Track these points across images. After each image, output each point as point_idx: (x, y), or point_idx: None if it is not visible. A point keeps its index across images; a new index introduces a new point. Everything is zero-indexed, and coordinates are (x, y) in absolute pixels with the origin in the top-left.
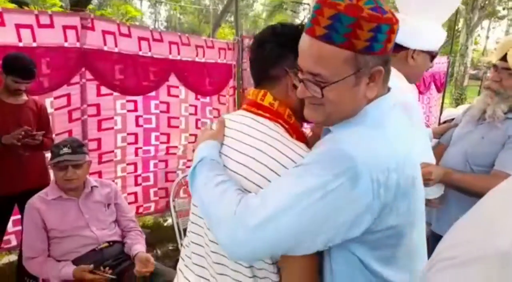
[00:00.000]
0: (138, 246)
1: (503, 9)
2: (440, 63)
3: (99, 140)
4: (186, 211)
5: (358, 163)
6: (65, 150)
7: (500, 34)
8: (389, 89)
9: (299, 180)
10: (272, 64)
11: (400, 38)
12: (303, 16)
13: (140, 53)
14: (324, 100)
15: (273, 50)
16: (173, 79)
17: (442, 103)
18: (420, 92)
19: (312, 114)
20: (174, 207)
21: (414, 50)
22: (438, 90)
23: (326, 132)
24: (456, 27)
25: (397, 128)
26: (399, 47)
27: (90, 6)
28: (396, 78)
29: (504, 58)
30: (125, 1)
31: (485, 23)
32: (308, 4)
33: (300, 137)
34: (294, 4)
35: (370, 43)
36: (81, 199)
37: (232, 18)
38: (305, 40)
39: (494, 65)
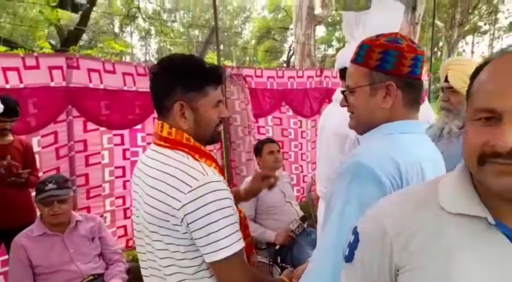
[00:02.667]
0: (114, 280)
1: (485, 24)
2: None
3: (86, 175)
4: None
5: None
6: (51, 185)
7: (484, 48)
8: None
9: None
10: (161, 96)
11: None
12: (290, 41)
13: (125, 88)
14: (351, 106)
15: (161, 83)
16: None
17: None
18: None
19: (350, 123)
20: None
21: None
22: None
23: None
24: (439, 45)
25: (406, 145)
26: None
27: (80, 43)
28: None
29: (446, 79)
30: (115, 36)
31: (470, 38)
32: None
33: (204, 155)
34: (281, 30)
35: (380, 63)
36: (65, 234)
37: (222, 47)
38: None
39: (441, 87)
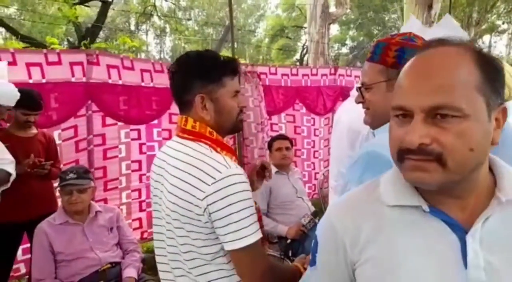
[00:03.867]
0: (128, 269)
1: (503, 23)
2: None
3: (104, 168)
4: None
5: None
6: (71, 175)
7: (502, 48)
8: None
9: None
10: (182, 92)
11: None
12: (304, 39)
13: (143, 84)
14: (367, 102)
15: (181, 80)
16: (174, 107)
17: None
18: None
19: (365, 118)
20: None
21: None
22: None
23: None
24: None
25: None
26: None
27: (98, 40)
28: None
29: None
30: (131, 34)
31: (487, 37)
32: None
33: (225, 148)
34: (295, 28)
35: (397, 60)
36: (86, 223)
37: (236, 44)
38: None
39: None
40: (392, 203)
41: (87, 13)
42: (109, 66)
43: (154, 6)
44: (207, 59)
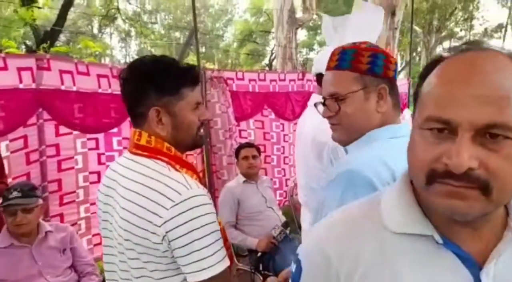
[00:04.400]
0: None
1: (461, 30)
2: (400, 86)
3: (59, 181)
4: None
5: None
6: (15, 193)
7: None
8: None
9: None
10: (135, 103)
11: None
12: (272, 44)
13: (100, 90)
14: (342, 115)
15: (133, 89)
16: None
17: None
18: None
19: (334, 135)
20: None
21: None
22: (401, 111)
23: (346, 152)
24: (417, 50)
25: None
26: None
27: (58, 44)
28: None
29: None
30: (94, 37)
31: (447, 43)
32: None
33: (185, 165)
34: (263, 33)
35: (371, 66)
36: (34, 245)
37: (203, 49)
38: (325, 75)
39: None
40: (397, 229)
41: (46, 16)
42: (61, 72)
43: (118, 9)
44: (164, 66)
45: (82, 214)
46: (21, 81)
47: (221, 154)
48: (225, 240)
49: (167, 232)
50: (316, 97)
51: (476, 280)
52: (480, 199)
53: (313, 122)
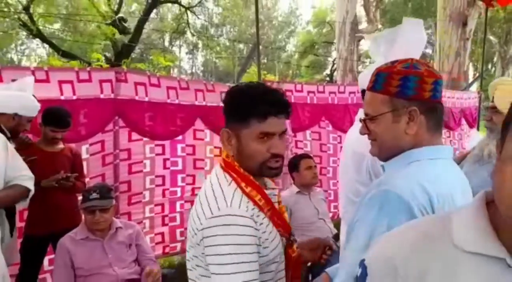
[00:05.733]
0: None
1: None
2: (470, 99)
3: (129, 182)
4: None
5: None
6: (94, 195)
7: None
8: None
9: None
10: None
11: None
12: (334, 55)
13: (168, 101)
14: (373, 134)
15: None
16: (199, 123)
17: None
18: (450, 129)
19: (371, 149)
20: None
21: None
22: (470, 126)
23: (383, 170)
24: (493, 61)
25: (437, 173)
26: None
27: (133, 56)
28: None
29: (492, 99)
30: (165, 50)
31: None
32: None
33: (252, 185)
34: (325, 44)
35: (401, 89)
36: (106, 239)
37: (265, 60)
38: (365, 94)
39: (486, 107)
40: (470, 249)
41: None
42: (136, 84)
43: (188, 23)
44: (241, 94)
45: (147, 214)
46: (101, 92)
47: None
48: (296, 269)
49: (203, 238)
50: (362, 112)
51: None
52: None
53: (354, 135)
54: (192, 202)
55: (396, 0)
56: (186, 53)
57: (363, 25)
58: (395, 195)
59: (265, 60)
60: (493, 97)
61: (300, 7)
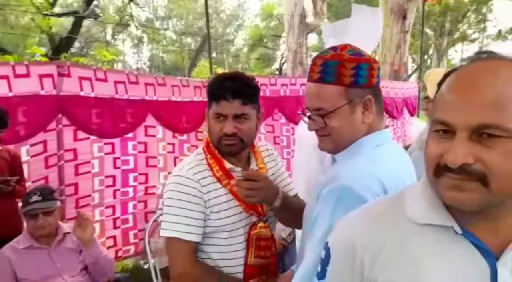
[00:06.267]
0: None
1: (473, 32)
2: (411, 88)
3: (76, 185)
4: (162, 250)
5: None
6: (35, 197)
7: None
8: (387, 127)
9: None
10: None
11: None
12: (283, 49)
13: (117, 96)
14: (329, 129)
15: None
16: (150, 120)
17: None
18: (394, 117)
19: (322, 144)
20: (150, 246)
21: None
22: (411, 114)
23: (332, 161)
24: (429, 53)
25: (384, 159)
26: None
27: (72, 50)
28: None
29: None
30: (107, 44)
31: (459, 46)
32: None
33: (213, 157)
34: (274, 38)
35: (355, 78)
36: (52, 246)
37: (214, 54)
38: (308, 86)
39: (423, 97)
40: (421, 220)
41: (62, 23)
42: (81, 78)
43: (131, 16)
44: (211, 81)
45: (97, 217)
46: (42, 88)
47: None
48: (261, 249)
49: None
50: None
51: (493, 269)
52: (480, 190)
53: None
54: (145, 202)
55: None
56: (131, 47)
57: (310, 19)
58: (350, 190)
59: (214, 54)
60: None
61: (247, 1)
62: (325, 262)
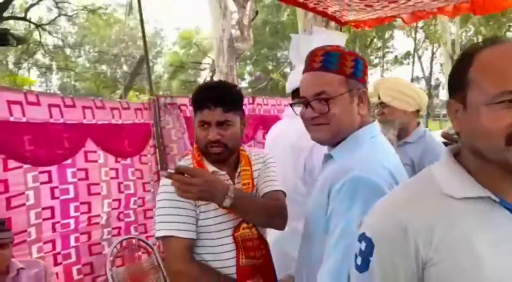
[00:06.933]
0: None
1: (375, 58)
2: None
3: (8, 220)
4: (125, 279)
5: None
6: None
7: (378, 78)
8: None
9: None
10: None
11: None
12: (204, 74)
13: (51, 120)
14: (330, 116)
15: None
16: (90, 144)
17: None
18: None
19: (318, 134)
20: (112, 276)
21: None
22: None
23: (327, 158)
24: None
25: (383, 149)
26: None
27: None
28: None
29: (379, 97)
30: (10, 72)
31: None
32: (208, 64)
33: (197, 163)
34: (194, 64)
35: (353, 70)
36: None
37: (133, 82)
38: (305, 77)
39: (376, 104)
40: (459, 195)
41: None
42: (9, 102)
43: (40, 42)
44: (195, 91)
45: (35, 255)
46: None
47: None
48: (249, 250)
49: None
50: (290, 110)
51: None
52: None
53: (291, 130)
54: (89, 233)
55: (255, 24)
56: (38, 76)
57: (238, 44)
58: (365, 179)
59: (135, 80)
60: (378, 95)
61: (164, 29)
62: (367, 253)
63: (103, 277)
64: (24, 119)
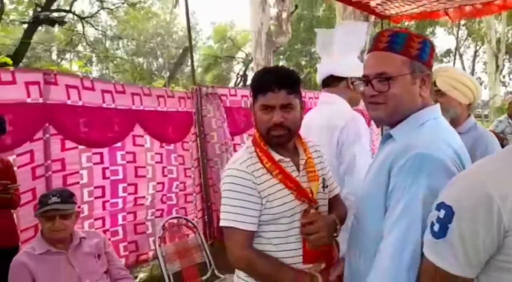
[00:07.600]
0: None
1: None
2: None
3: None
4: (173, 254)
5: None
6: (54, 199)
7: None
8: (436, 101)
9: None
10: None
11: (339, 70)
12: (237, 69)
13: (104, 105)
14: (389, 95)
15: None
16: (137, 129)
17: None
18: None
19: (375, 113)
20: (162, 253)
21: (351, 78)
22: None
23: (386, 137)
24: None
25: (447, 129)
26: (339, 78)
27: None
28: (343, 102)
29: (435, 84)
30: (53, 63)
31: None
32: (242, 58)
33: (262, 151)
34: (228, 58)
35: (420, 53)
36: (70, 251)
37: (167, 74)
38: (370, 56)
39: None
40: None
41: (4, 43)
42: (68, 87)
43: (84, 34)
44: (254, 76)
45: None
46: (28, 96)
47: (217, 168)
48: (317, 255)
49: None
50: (325, 95)
51: None
52: None
53: (325, 112)
54: (134, 213)
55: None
56: (78, 68)
57: (276, 37)
58: (429, 156)
59: (168, 74)
60: (434, 82)
61: (199, 23)
62: (446, 220)
63: (146, 255)
64: (80, 103)
